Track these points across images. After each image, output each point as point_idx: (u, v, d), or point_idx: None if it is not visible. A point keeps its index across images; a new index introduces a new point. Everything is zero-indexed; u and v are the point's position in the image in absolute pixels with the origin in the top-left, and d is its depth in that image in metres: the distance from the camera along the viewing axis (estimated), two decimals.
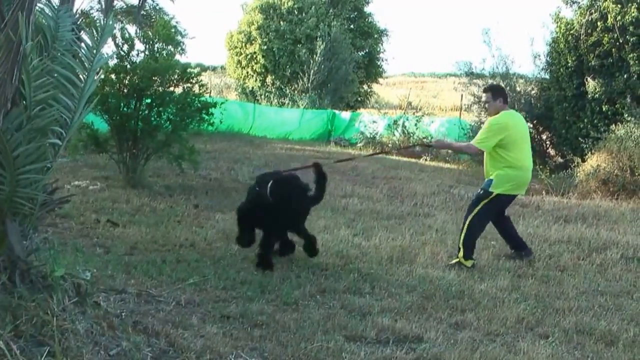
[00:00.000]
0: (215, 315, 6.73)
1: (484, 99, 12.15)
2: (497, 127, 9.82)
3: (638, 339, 6.93)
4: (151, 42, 14.85)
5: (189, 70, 15.18)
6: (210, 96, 23.12)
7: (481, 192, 9.97)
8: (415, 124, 27.87)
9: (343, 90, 38.20)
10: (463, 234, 9.75)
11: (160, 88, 14.37)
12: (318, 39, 36.78)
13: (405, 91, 39.35)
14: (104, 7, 23.82)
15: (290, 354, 5.87)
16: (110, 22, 6.34)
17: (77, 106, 5.39)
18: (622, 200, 16.28)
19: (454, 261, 9.59)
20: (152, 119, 14.44)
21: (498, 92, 10.24)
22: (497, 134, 9.77)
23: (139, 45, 14.70)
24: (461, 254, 9.61)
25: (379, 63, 46.65)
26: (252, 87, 42.27)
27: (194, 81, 14.98)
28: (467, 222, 9.83)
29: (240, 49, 42.51)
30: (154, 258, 8.71)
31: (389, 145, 27.41)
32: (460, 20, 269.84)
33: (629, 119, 19.14)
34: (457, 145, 12.45)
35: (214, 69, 65.19)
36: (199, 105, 14.80)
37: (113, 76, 14.10)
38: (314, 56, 36.37)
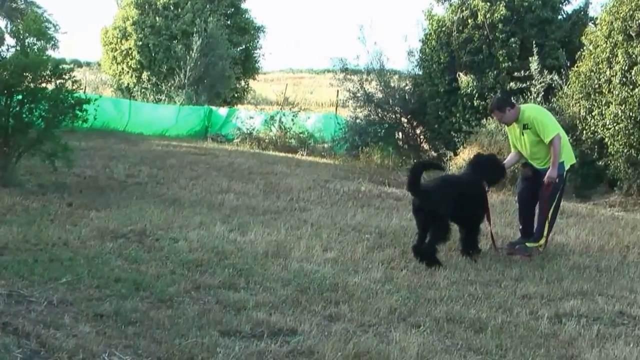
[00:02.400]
0: (88, 314, 6.62)
1: (495, 118, 12.67)
2: (547, 114, 11.11)
3: (505, 326, 7.14)
4: (22, 37, 14.55)
5: (61, 66, 14.91)
6: (85, 93, 22.79)
7: (556, 181, 10.55)
8: (292, 120, 27.97)
9: (220, 86, 37.98)
10: (547, 223, 10.66)
11: (31, 84, 14.09)
12: (194, 34, 36.44)
13: (283, 87, 39.45)
14: None
15: (164, 351, 5.85)
16: None
17: None
18: (492, 192, 16.64)
19: (535, 245, 10.64)
20: (24, 116, 14.13)
21: (502, 105, 10.95)
22: (552, 118, 11.07)
23: (9, 40, 14.39)
24: (543, 240, 10.65)
25: (255, 59, 46.63)
26: (128, 84, 41.70)
27: (66, 77, 14.71)
28: (550, 214, 10.68)
29: (115, 44, 41.83)
30: (25, 258, 8.49)
31: (266, 140, 27.49)
32: (338, 17, 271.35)
33: None
34: (555, 154, 10.66)
35: (89, 65, 64.18)
36: (72, 101, 14.52)
37: None
38: (190, 52, 36.04)
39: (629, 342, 6.87)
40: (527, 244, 10.61)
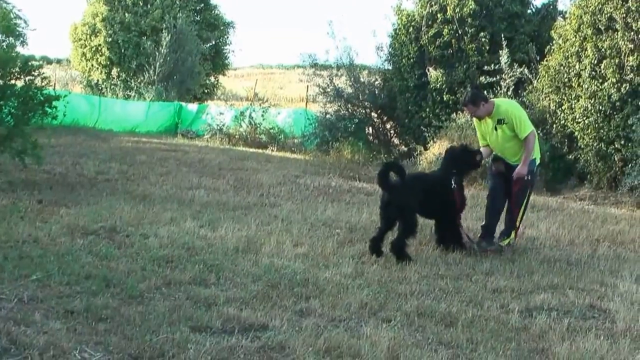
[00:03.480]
0: (58, 311, 6.60)
1: (469, 112, 11.73)
2: (523, 110, 11.08)
3: (476, 320, 7.18)
4: None
5: (30, 62, 14.82)
6: (54, 89, 22.59)
7: (528, 178, 10.56)
8: (262, 115, 27.96)
9: (190, 82, 37.89)
10: (520, 217, 10.73)
11: (0, 81, 13.99)
12: (164, 30, 36.35)
13: (253, 83, 39.42)
14: None
15: (135, 347, 5.83)
16: None
17: None
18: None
19: (505, 242, 10.60)
20: None
21: (476, 99, 10.73)
22: (526, 115, 10.93)
23: None
24: (513, 234, 10.67)
25: (225, 55, 46.60)
26: (98, 80, 41.51)
27: (36, 74, 14.62)
28: (522, 209, 10.71)
29: (85, 41, 41.64)
30: None
31: (236, 136, 27.46)
32: (308, 12, 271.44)
33: None
34: (529, 150, 10.69)
35: (59, 61, 63.80)
36: (41, 98, 14.45)
37: None
38: (160, 48, 35.92)
39: (599, 335, 6.93)
40: (501, 244, 10.56)
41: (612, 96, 17.36)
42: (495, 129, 10.58)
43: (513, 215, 10.66)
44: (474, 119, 11.19)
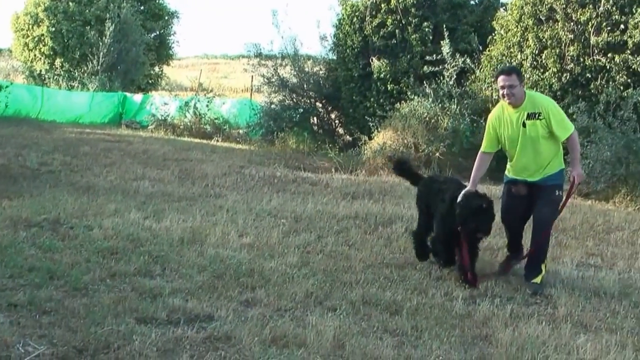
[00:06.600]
0: (1, 304, 6.53)
1: (507, 82, 8.33)
2: (559, 107, 8.84)
3: (421, 307, 7.26)
4: None
5: None
6: None
7: (558, 194, 8.70)
8: (207, 105, 27.88)
9: (134, 72, 37.63)
10: (548, 249, 8.89)
11: None
12: (108, 20, 35.99)
13: (197, 73, 39.24)
14: None
15: (80, 340, 5.78)
16: None
17: None
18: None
19: (538, 280, 8.44)
20: None
21: (520, 72, 8.83)
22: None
23: None
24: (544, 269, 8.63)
25: (169, 45, 46.34)
26: (40, 70, 40.97)
27: None
28: (548, 236, 8.81)
29: (27, 30, 41.05)
30: None
31: (181, 127, 27.33)
32: (253, 2, 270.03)
33: (412, 97, 19.82)
34: (578, 150, 8.93)
35: (0, 51, 62.95)
36: None
37: None
38: (104, 38, 35.57)
39: (541, 320, 7.07)
40: (534, 281, 8.40)
41: (553, 85, 17.62)
42: (524, 124, 8.43)
43: (543, 241, 8.61)
44: (491, 117, 8.88)
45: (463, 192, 8.47)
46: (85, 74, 35.36)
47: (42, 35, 40.19)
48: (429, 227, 9.12)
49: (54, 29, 39.52)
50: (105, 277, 7.66)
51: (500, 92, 8.46)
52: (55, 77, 38.53)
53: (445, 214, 8.57)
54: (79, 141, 21.36)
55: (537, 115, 8.33)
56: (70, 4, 39.81)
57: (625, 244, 11.24)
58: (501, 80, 8.37)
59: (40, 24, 40.28)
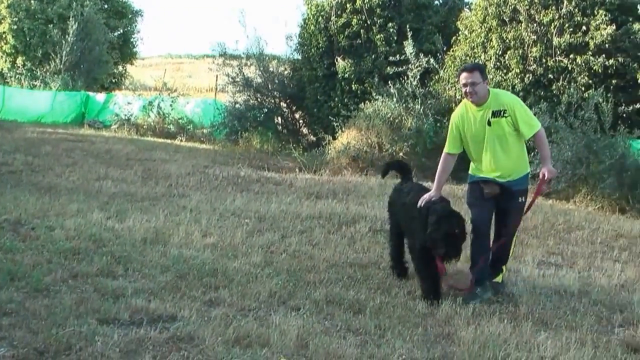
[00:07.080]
0: None
1: (469, 80, 8.06)
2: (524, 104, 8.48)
3: (384, 306, 7.29)
4: None
5: None
6: None
7: (522, 200, 8.40)
8: (171, 105, 27.78)
9: (97, 71, 37.41)
10: (512, 249, 8.76)
11: None
12: (71, 18, 35.72)
13: (161, 72, 39.11)
14: None
15: (41, 341, 5.73)
16: None
17: None
18: (370, 175, 16.93)
19: (499, 279, 8.38)
20: None
21: (484, 70, 8.45)
22: None
23: None
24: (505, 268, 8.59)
25: (133, 44, 46.19)
26: (2, 69, 40.60)
27: None
28: (514, 238, 8.72)
29: None
30: None
31: (144, 126, 27.20)
32: (218, 1, 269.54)
33: (376, 97, 19.86)
34: (547, 147, 8.52)
35: None
36: None
37: None
38: (67, 37, 35.30)
39: (503, 318, 7.13)
40: (495, 280, 8.34)
41: (516, 86, 17.77)
42: (489, 123, 8.13)
43: (507, 245, 8.51)
44: (454, 116, 8.52)
45: (428, 198, 8.20)
46: (48, 73, 35.06)
47: (4, 33, 39.82)
48: (400, 243, 8.74)
49: (15, 26, 39.17)
50: (67, 277, 7.59)
51: (463, 90, 8.24)
52: (17, 76, 38.15)
53: (417, 230, 8.09)
54: (40, 141, 21.19)
55: (502, 113, 8.04)
56: (32, 1, 39.49)
57: (585, 242, 11.38)
58: (463, 77, 8.10)
59: (2, 21, 39.91)
